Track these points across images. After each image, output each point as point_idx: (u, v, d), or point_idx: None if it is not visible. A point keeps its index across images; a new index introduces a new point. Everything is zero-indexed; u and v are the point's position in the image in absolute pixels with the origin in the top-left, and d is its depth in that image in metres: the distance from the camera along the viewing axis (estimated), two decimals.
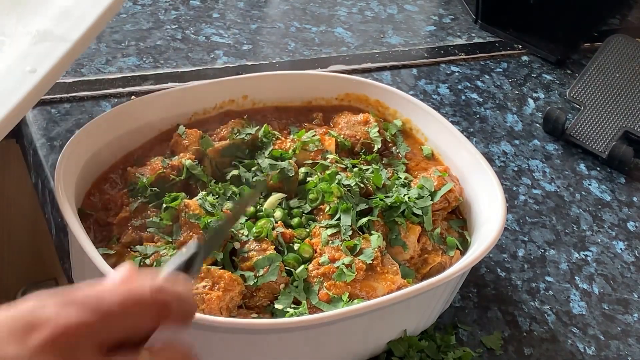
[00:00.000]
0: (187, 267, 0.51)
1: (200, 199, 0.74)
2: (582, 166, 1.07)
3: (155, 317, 0.47)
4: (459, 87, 1.15)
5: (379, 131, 0.87)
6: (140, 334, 0.47)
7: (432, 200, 0.79)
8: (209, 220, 0.71)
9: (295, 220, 0.76)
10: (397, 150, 0.88)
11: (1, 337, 0.43)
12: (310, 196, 0.78)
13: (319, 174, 0.80)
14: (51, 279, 1.10)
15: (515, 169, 1.04)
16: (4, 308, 0.44)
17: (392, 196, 0.78)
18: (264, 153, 0.81)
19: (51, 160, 0.88)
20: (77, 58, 0.76)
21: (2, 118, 0.66)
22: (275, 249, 0.72)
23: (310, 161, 0.82)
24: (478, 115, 1.11)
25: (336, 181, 0.78)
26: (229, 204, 0.75)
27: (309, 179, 0.79)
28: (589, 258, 0.94)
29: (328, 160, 0.82)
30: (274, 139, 0.83)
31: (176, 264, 0.51)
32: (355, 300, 0.69)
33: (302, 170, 0.80)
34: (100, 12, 0.76)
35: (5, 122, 0.66)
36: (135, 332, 0.47)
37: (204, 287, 0.66)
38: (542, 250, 0.93)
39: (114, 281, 0.47)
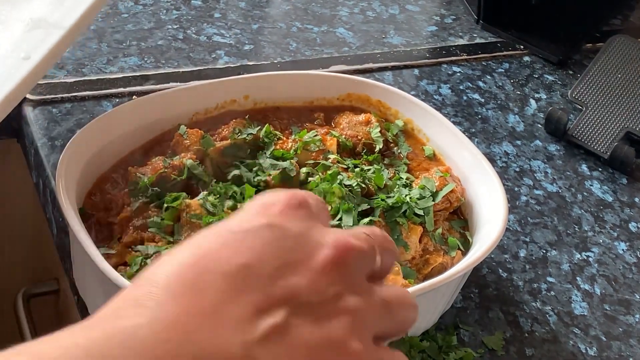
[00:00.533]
0: None
1: (201, 199, 0.74)
2: (584, 167, 1.07)
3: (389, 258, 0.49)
4: (461, 87, 1.15)
5: (380, 131, 0.87)
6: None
7: (433, 200, 0.79)
8: (210, 220, 0.71)
9: None
10: (399, 151, 0.87)
11: (249, 213, 0.46)
12: None
13: (320, 174, 0.80)
14: (52, 279, 1.10)
15: (517, 169, 1.04)
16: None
17: (393, 196, 0.78)
18: (265, 153, 0.81)
19: (52, 160, 0.88)
20: (71, 44, 0.77)
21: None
22: None
23: (311, 161, 0.82)
24: (480, 116, 1.11)
25: (338, 181, 0.78)
26: (230, 204, 0.75)
27: (310, 179, 0.79)
28: (590, 259, 0.94)
29: (329, 161, 0.81)
30: (276, 139, 0.83)
31: None
32: None
33: (304, 170, 0.80)
34: None
35: (1, 106, 0.66)
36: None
37: None
38: (544, 251, 0.93)
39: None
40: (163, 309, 0.39)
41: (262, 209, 0.46)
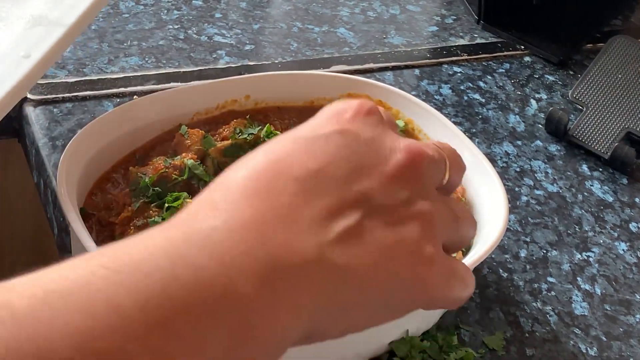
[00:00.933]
0: None
1: None
2: (585, 167, 1.07)
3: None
4: (461, 87, 1.15)
5: None
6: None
7: None
8: None
9: None
10: None
11: (322, 121, 0.48)
12: None
13: None
14: None
15: (518, 169, 1.04)
16: None
17: None
18: None
19: (53, 160, 0.88)
20: (72, 42, 0.75)
21: None
22: None
23: None
24: (480, 116, 1.11)
25: None
26: None
27: None
28: (591, 259, 0.94)
29: None
30: None
31: None
32: None
33: None
34: None
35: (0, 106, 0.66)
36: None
37: None
38: (544, 251, 0.93)
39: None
40: (238, 211, 0.40)
41: (334, 116, 0.46)
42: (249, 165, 0.44)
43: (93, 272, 0.37)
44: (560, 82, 1.22)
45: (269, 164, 0.43)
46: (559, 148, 1.09)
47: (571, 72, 1.24)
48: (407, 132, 0.90)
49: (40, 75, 0.71)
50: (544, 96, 1.18)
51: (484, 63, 1.22)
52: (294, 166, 0.43)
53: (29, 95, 0.96)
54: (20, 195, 1.12)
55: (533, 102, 1.16)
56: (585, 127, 1.10)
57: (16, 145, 1.01)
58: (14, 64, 0.69)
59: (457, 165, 0.52)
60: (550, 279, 0.90)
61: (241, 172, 0.44)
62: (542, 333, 0.83)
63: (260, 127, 0.84)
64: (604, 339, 0.84)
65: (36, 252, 1.18)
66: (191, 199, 0.74)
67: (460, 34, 1.27)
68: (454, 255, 0.78)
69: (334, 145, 0.44)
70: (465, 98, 1.14)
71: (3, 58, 0.70)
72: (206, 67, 1.08)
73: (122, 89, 1.00)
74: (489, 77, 1.19)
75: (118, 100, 0.99)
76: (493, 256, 0.90)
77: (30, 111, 0.95)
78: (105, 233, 0.74)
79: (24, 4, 0.77)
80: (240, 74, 1.04)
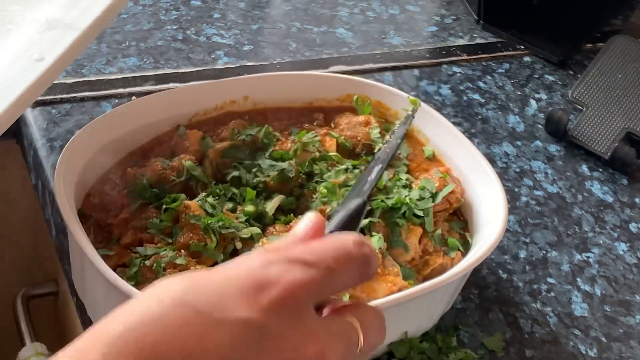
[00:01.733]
0: (350, 224, 0.49)
1: (200, 200, 0.74)
2: (584, 167, 1.07)
3: (360, 273, 0.46)
4: (461, 87, 1.15)
5: (380, 132, 0.87)
6: (339, 290, 0.46)
7: (433, 201, 0.79)
8: (209, 222, 0.71)
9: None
10: (399, 152, 0.87)
11: (232, 296, 0.41)
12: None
13: (325, 169, 0.80)
14: (51, 280, 1.09)
15: (517, 170, 1.04)
16: (226, 268, 0.43)
17: (393, 197, 0.78)
18: (264, 154, 0.81)
19: (51, 161, 0.88)
20: (86, 46, 0.75)
21: (8, 106, 0.65)
22: None
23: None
24: (480, 116, 1.11)
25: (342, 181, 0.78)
26: (229, 205, 0.75)
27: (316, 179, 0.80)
28: (591, 260, 0.93)
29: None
30: (275, 140, 0.83)
31: (340, 219, 0.50)
32: None
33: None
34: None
35: (11, 110, 0.65)
36: (340, 289, 0.46)
37: None
38: (544, 252, 0.93)
39: (307, 232, 0.47)
40: None
41: (251, 293, 0.42)
42: (130, 321, 0.40)
43: None
44: (560, 82, 1.21)
45: (147, 332, 0.39)
46: (558, 148, 1.09)
47: (571, 72, 1.24)
48: (406, 132, 0.89)
49: (54, 78, 0.70)
50: (544, 96, 1.18)
51: (483, 63, 1.22)
52: (173, 353, 0.39)
53: None
54: (18, 197, 1.12)
55: (533, 102, 1.16)
56: (585, 127, 1.09)
57: (14, 147, 1.00)
58: (26, 67, 0.68)
59: (375, 334, 0.48)
60: (549, 280, 0.89)
61: (118, 327, 0.40)
62: (541, 334, 0.83)
63: (258, 128, 0.84)
64: (603, 340, 0.84)
65: (34, 253, 1.17)
66: (189, 199, 0.74)
67: (460, 34, 1.27)
68: (452, 255, 0.78)
69: (230, 338, 0.40)
70: (465, 98, 1.13)
71: (15, 61, 0.69)
72: (205, 68, 1.07)
73: (120, 90, 1.00)
74: (489, 77, 1.19)
75: (116, 101, 0.99)
76: (492, 257, 0.90)
77: (29, 112, 0.94)
78: (103, 234, 0.74)
79: (38, 7, 0.76)
80: (239, 75, 1.03)
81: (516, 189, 1.01)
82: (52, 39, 0.72)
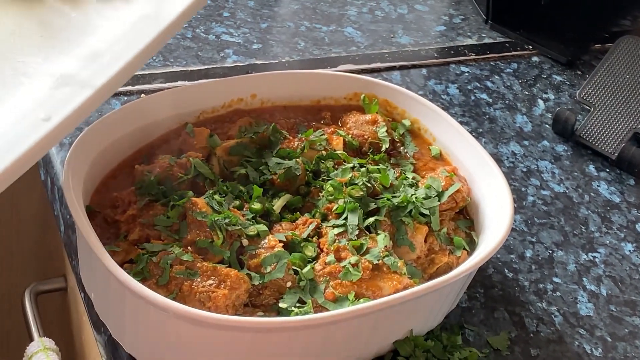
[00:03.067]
0: None
1: (207, 197, 0.74)
2: (592, 167, 1.07)
3: None
4: (469, 87, 1.15)
5: (387, 131, 0.87)
6: None
7: (439, 200, 0.79)
8: (216, 219, 0.71)
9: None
10: (405, 150, 0.88)
11: None
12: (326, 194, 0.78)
13: (331, 167, 0.81)
14: (60, 276, 1.10)
15: (524, 169, 1.04)
16: None
17: (399, 196, 0.78)
18: (271, 152, 0.82)
19: (60, 158, 0.88)
20: (99, 105, 0.67)
21: (7, 167, 0.60)
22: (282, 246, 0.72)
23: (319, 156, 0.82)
24: (487, 116, 1.11)
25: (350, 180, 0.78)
26: (236, 202, 0.76)
27: (323, 177, 0.80)
28: (597, 259, 0.93)
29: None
30: (282, 138, 0.83)
31: None
32: (362, 300, 0.70)
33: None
34: (132, 56, 0.69)
35: (10, 170, 0.61)
36: None
37: (210, 285, 0.67)
38: (550, 252, 0.93)
39: None
40: None
41: None
42: None
43: None
44: (568, 82, 1.21)
45: None
46: (566, 148, 1.09)
47: (579, 72, 1.24)
48: (413, 131, 0.90)
49: (59, 139, 0.65)
50: (552, 96, 1.18)
51: (491, 63, 1.22)
52: None
53: None
54: (28, 193, 1.13)
55: (540, 102, 1.16)
56: (592, 127, 1.09)
57: None
58: (32, 126, 0.63)
59: None
60: (555, 280, 0.90)
61: None
62: (546, 333, 0.83)
63: (266, 126, 0.84)
64: (609, 339, 0.84)
65: (43, 249, 1.18)
66: (196, 197, 0.74)
67: (468, 33, 1.27)
68: (458, 254, 0.78)
69: None
70: (473, 98, 1.13)
71: (22, 119, 0.64)
72: (213, 66, 1.08)
73: (129, 87, 1.01)
74: (497, 77, 1.19)
75: (125, 98, 0.99)
76: (498, 256, 0.90)
77: None
78: (110, 231, 0.74)
79: (56, 59, 0.71)
80: (248, 73, 1.04)
81: (523, 189, 1.01)
82: (62, 97, 0.66)
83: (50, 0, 0.75)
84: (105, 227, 0.75)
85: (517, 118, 1.12)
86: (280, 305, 0.69)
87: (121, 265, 0.67)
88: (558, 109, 1.11)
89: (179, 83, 1.02)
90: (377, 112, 0.89)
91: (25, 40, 0.72)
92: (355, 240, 0.74)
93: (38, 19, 0.74)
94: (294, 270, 0.71)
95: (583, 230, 0.97)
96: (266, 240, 0.72)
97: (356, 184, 0.78)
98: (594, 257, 0.94)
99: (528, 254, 0.92)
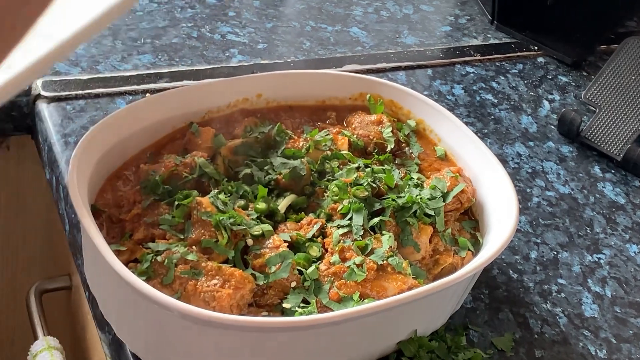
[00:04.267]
0: None
1: (212, 197, 0.74)
2: (597, 169, 1.07)
3: None
4: (474, 88, 1.15)
5: (392, 131, 0.87)
6: None
7: (444, 201, 0.79)
8: (220, 218, 0.71)
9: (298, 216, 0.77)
10: (410, 151, 0.87)
11: None
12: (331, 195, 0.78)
13: (336, 168, 0.81)
14: (65, 275, 1.10)
15: (529, 170, 1.04)
16: None
17: (404, 196, 0.78)
18: (276, 152, 0.82)
19: (66, 157, 0.88)
20: (63, 59, 0.72)
21: None
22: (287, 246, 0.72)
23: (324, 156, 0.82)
24: (492, 117, 1.11)
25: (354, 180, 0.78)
26: (240, 202, 0.76)
27: (328, 177, 0.80)
28: (602, 261, 0.93)
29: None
30: (287, 138, 0.83)
31: None
32: (366, 300, 0.69)
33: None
34: (96, 14, 0.74)
35: None
36: None
37: (215, 284, 0.67)
38: (555, 253, 0.93)
39: None
40: None
41: None
42: None
43: None
44: (573, 83, 1.21)
45: None
46: (571, 149, 1.09)
47: (585, 73, 1.24)
48: (418, 132, 0.90)
49: (20, 88, 0.67)
50: (557, 97, 1.18)
51: (497, 63, 1.22)
52: None
53: (42, 92, 0.96)
54: (33, 192, 1.13)
55: (546, 103, 1.16)
56: (598, 128, 1.09)
57: (29, 142, 1.01)
58: None
59: None
60: (560, 281, 0.89)
61: None
62: (551, 335, 0.83)
63: (271, 125, 0.84)
64: (613, 341, 0.84)
65: (48, 248, 1.18)
66: (201, 196, 0.74)
67: (474, 34, 1.27)
68: (463, 254, 0.78)
69: None
70: (478, 98, 1.13)
71: None
72: (219, 65, 1.08)
73: (134, 87, 1.01)
74: (502, 78, 1.19)
75: (130, 97, 0.99)
76: (503, 257, 0.90)
77: (44, 108, 0.95)
78: (115, 230, 0.74)
79: None
80: (253, 73, 1.04)
81: (528, 190, 1.01)
82: (26, 47, 0.69)
83: None
84: (110, 226, 0.75)
85: (523, 119, 1.12)
86: (285, 305, 0.69)
87: (126, 265, 0.67)
88: (563, 109, 1.11)
89: (185, 82, 1.02)
90: (382, 113, 0.89)
91: None
92: (360, 240, 0.74)
93: None
94: (298, 270, 0.71)
95: (588, 231, 0.97)
96: (271, 240, 0.72)
97: (361, 185, 0.78)
98: (599, 258, 0.94)
99: (533, 255, 0.92)
